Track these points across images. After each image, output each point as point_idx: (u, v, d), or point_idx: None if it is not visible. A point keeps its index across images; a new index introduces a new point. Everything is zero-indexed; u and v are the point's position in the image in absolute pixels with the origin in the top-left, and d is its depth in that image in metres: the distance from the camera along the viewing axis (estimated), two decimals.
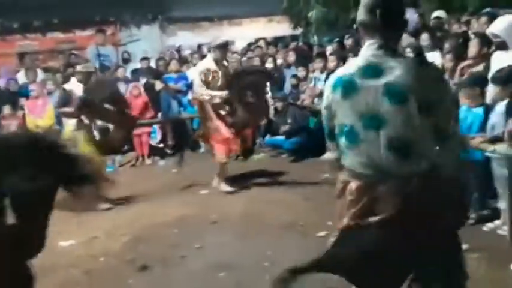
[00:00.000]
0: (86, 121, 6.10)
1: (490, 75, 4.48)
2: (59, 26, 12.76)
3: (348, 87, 2.28)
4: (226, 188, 6.39)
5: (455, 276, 2.34)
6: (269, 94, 8.40)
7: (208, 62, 6.32)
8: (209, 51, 6.79)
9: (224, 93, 6.26)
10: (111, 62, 10.36)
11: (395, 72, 2.20)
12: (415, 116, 2.18)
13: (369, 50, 2.30)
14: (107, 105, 6.21)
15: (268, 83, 7.63)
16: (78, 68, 6.22)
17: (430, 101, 2.20)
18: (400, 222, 2.19)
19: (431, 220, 2.20)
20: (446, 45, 6.15)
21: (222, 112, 6.32)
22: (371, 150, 2.24)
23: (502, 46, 4.63)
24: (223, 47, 6.42)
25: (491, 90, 4.51)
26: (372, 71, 2.25)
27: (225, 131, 6.29)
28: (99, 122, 6.19)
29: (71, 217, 5.89)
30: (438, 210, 2.23)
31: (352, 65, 2.34)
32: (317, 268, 2.46)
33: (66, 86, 6.21)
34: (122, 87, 8.90)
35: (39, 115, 8.50)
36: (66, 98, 6.10)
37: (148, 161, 8.80)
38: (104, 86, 6.85)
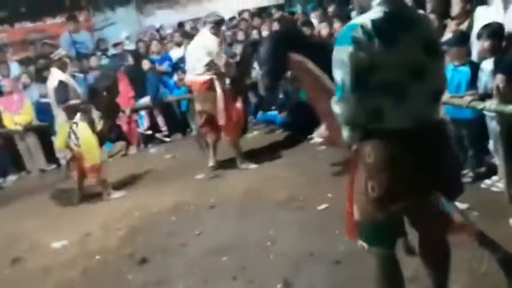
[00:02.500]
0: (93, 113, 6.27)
1: (474, 32, 4.56)
2: (27, 15, 12.63)
3: (388, 38, 2.27)
4: (252, 165, 6.55)
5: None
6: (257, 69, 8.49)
7: (212, 35, 6.34)
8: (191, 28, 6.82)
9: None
10: (88, 48, 10.33)
11: (423, 24, 2.40)
12: (443, 66, 2.45)
13: (388, 2, 2.33)
14: (105, 94, 6.53)
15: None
16: (57, 55, 6.25)
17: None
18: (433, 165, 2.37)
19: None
20: (429, 5, 6.22)
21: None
22: (413, 102, 2.32)
23: (482, 1, 4.69)
24: (220, 23, 6.57)
25: (476, 47, 4.61)
26: (405, 21, 2.34)
27: (239, 105, 6.52)
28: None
29: (63, 215, 6.05)
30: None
31: (382, 14, 2.31)
32: None
33: (61, 77, 6.13)
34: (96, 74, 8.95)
35: (16, 111, 8.47)
36: (65, 91, 6.08)
37: (136, 150, 8.85)
38: (107, 76, 7.26)
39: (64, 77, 6.17)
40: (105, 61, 9.85)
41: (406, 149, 2.30)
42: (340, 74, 2.31)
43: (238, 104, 6.65)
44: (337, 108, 2.37)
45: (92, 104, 6.45)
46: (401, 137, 2.30)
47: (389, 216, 2.37)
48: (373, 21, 2.28)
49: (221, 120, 6.36)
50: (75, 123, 6.06)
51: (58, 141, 6.39)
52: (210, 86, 6.33)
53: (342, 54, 2.29)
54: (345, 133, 2.42)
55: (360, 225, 2.53)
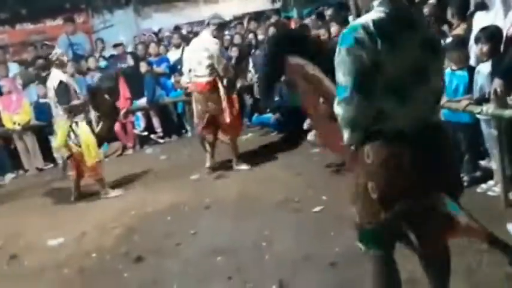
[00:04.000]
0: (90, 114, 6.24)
1: (473, 36, 4.48)
2: (28, 16, 12.56)
3: (393, 39, 2.19)
4: (246, 166, 6.50)
5: None
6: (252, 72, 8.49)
7: (213, 38, 6.29)
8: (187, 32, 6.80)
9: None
10: (85, 50, 10.26)
11: (424, 24, 2.36)
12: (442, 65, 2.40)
13: (389, 3, 2.25)
14: (106, 96, 6.53)
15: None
16: (55, 55, 6.16)
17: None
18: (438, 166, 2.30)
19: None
20: (426, 10, 6.18)
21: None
22: (418, 103, 2.26)
23: (482, 6, 4.62)
24: (223, 26, 6.56)
25: (475, 51, 4.54)
26: (407, 21, 2.27)
27: (236, 105, 6.50)
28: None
29: (59, 213, 5.97)
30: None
31: (383, 14, 2.23)
32: None
33: (61, 78, 6.03)
34: (96, 76, 8.89)
35: (14, 111, 8.40)
36: (66, 91, 5.99)
37: (132, 150, 8.76)
38: (109, 79, 7.37)
39: (64, 77, 6.10)
40: (102, 63, 9.74)
41: (407, 150, 2.22)
42: (343, 74, 2.22)
43: (235, 105, 6.58)
44: (339, 109, 2.27)
45: (91, 105, 6.41)
46: (402, 138, 2.23)
47: (391, 218, 2.29)
48: (375, 22, 2.20)
49: (227, 119, 6.30)
50: (75, 122, 5.99)
51: (57, 140, 6.28)
52: (212, 86, 6.26)
53: (344, 54, 2.21)
54: (346, 135, 2.33)
55: (358, 227, 2.45)
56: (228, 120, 6.30)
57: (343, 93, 2.22)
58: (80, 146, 5.99)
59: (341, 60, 2.23)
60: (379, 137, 2.26)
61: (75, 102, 6.02)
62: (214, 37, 6.27)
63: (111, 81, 7.15)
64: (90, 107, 6.46)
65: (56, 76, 6.04)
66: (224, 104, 6.27)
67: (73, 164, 6.27)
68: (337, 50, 2.26)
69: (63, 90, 5.96)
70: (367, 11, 2.32)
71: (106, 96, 6.62)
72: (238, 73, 7.22)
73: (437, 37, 2.39)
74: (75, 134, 5.98)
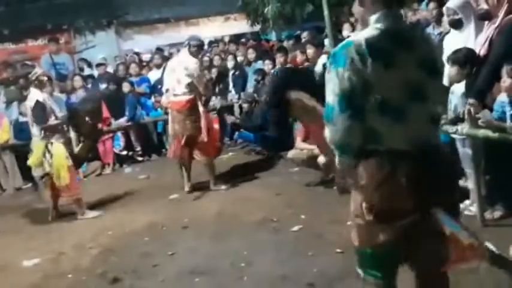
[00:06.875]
0: (70, 133, 6.05)
1: (444, 57, 4.45)
2: (10, 36, 12.42)
3: (386, 58, 2.10)
4: (224, 186, 6.39)
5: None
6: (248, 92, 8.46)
7: (192, 57, 6.24)
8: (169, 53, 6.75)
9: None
10: (68, 70, 10.12)
11: (421, 43, 2.24)
12: (442, 85, 2.29)
13: (387, 20, 2.16)
14: (87, 118, 6.32)
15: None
16: (34, 76, 6.03)
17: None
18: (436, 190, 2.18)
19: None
20: None
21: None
22: (413, 124, 2.15)
23: (456, 24, 4.57)
24: (200, 47, 6.53)
25: (447, 71, 4.49)
26: (403, 40, 2.17)
27: (216, 126, 6.45)
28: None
29: (35, 233, 5.79)
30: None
31: (377, 33, 2.14)
32: None
33: (38, 97, 5.90)
34: (80, 94, 8.73)
35: None
36: (43, 110, 5.87)
37: (111, 169, 8.59)
38: (91, 100, 7.08)
39: (42, 96, 5.96)
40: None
41: (403, 171, 2.11)
42: (331, 93, 2.13)
43: (214, 125, 6.48)
44: (327, 131, 2.18)
45: (71, 125, 6.26)
46: (397, 159, 2.12)
47: (388, 242, 2.16)
48: (367, 40, 2.10)
49: (204, 138, 6.21)
50: (51, 142, 5.84)
51: (32, 159, 6.10)
52: (192, 105, 6.19)
53: (333, 75, 2.12)
54: (336, 158, 2.25)
55: (358, 251, 2.31)
56: (205, 139, 6.20)
57: (331, 113, 2.13)
58: (51, 166, 5.84)
59: (329, 79, 2.14)
60: (373, 157, 2.15)
61: (51, 122, 5.90)
62: (193, 56, 6.23)
63: (93, 102, 6.95)
64: (70, 127, 6.32)
65: (33, 96, 5.93)
66: (203, 122, 6.18)
67: (49, 183, 6.10)
68: (327, 69, 2.18)
69: (39, 110, 5.85)
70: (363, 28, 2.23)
71: (86, 118, 6.41)
72: (217, 93, 7.16)
73: (436, 56, 2.27)
74: (50, 153, 5.82)
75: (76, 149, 6.22)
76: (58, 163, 5.84)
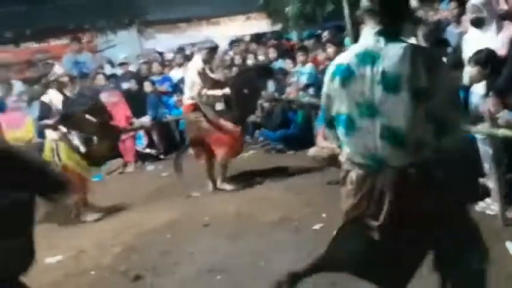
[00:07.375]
0: (67, 132, 6.01)
1: (465, 56, 4.39)
2: (32, 36, 12.59)
3: (345, 75, 2.28)
4: (229, 187, 6.40)
5: (471, 256, 2.30)
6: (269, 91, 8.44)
7: (199, 62, 6.25)
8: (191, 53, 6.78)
9: (226, 91, 6.37)
10: (90, 68, 10.22)
11: (392, 59, 2.17)
12: (408, 105, 2.13)
13: (368, 36, 2.27)
14: (88, 117, 6.16)
15: (268, 80, 7.83)
16: (52, 77, 6.10)
17: (425, 89, 2.14)
18: (399, 214, 2.18)
19: (435, 207, 2.19)
20: (420, 32, 6.13)
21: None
22: (367, 140, 2.23)
23: (478, 23, 4.50)
24: (214, 50, 6.48)
25: (467, 71, 4.42)
26: (369, 58, 2.22)
27: (233, 130, 6.37)
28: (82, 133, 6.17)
29: (57, 231, 5.83)
30: (442, 195, 2.23)
31: (351, 52, 2.33)
32: (318, 270, 2.43)
33: (45, 98, 6.05)
34: (103, 95, 8.79)
35: (17, 128, 8.31)
36: (45, 111, 5.98)
37: (134, 167, 8.64)
38: (85, 98, 6.90)
39: (48, 98, 6.03)
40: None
41: (367, 187, 2.27)
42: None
43: (232, 127, 6.43)
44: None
45: (66, 126, 6.04)
46: (364, 172, 2.28)
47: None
48: (339, 58, 2.38)
49: (211, 142, 6.29)
50: (56, 143, 5.92)
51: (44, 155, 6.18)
52: (194, 109, 6.27)
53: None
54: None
55: None
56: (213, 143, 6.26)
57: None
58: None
59: None
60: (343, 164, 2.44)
61: (46, 121, 5.98)
62: (205, 61, 6.24)
63: (87, 101, 6.73)
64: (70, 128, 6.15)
65: (47, 96, 6.05)
66: (207, 125, 6.23)
67: None
68: None
69: (41, 108, 6.01)
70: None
71: (87, 116, 6.18)
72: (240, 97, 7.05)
73: (403, 74, 2.13)
74: (57, 154, 5.88)
75: (81, 149, 6.10)
76: (63, 163, 5.87)
